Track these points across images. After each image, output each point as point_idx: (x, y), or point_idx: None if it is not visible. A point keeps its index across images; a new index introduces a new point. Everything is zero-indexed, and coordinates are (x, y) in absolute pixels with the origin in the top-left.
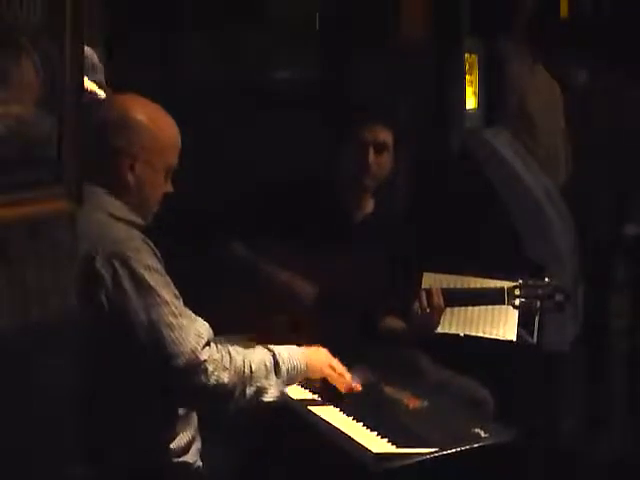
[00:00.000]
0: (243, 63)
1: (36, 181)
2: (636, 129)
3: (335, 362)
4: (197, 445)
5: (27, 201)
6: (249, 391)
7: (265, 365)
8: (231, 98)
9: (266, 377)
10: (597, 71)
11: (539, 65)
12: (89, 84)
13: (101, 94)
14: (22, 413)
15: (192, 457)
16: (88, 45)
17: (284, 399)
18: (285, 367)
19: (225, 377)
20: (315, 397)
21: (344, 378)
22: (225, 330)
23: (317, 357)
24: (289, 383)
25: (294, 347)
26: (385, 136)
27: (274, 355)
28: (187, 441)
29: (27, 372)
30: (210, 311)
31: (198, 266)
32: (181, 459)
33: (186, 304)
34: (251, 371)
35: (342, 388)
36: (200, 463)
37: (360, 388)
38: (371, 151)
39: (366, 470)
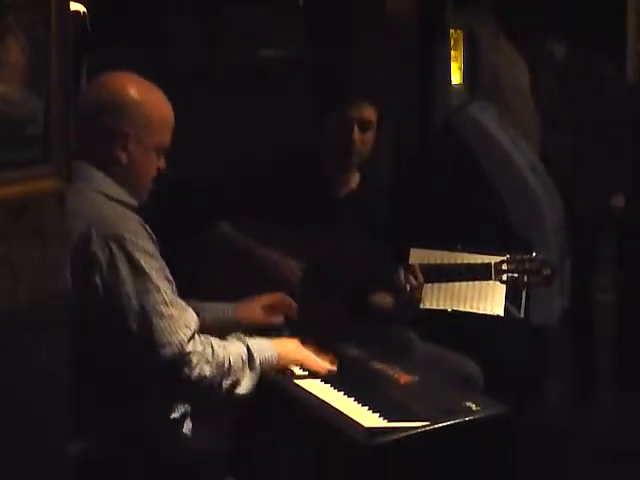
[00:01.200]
0: (227, 41)
1: (24, 160)
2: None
3: (305, 352)
4: (188, 424)
5: (15, 181)
6: (225, 384)
7: (241, 358)
8: (215, 77)
9: (242, 370)
10: (571, 45)
11: (507, 42)
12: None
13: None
14: (9, 397)
15: (187, 429)
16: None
17: (273, 375)
18: (258, 360)
19: (207, 370)
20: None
21: (315, 366)
22: None
23: (288, 347)
24: (261, 374)
25: (265, 339)
26: (370, 114)
27: (248, 348)
28: (182, 414)
29: (14, 355)
30: (197, 291)
31: (184, 247)
32: (177, 431)
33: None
34: (230, 364)
35: (317, 369)
36: (190, 434)
37: (335, 369)
38: (356, 128)
39: (358, 444)
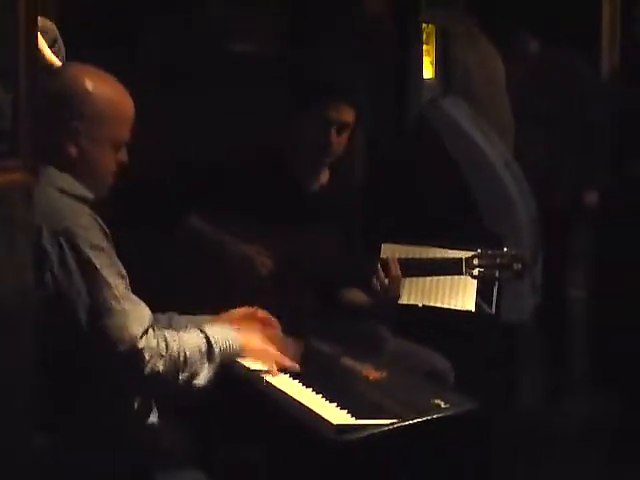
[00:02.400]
0: (203, 35)
1: None
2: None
3: (270, 348)
4: (154, 417)
5: None
6: (182, 377)
7: (200, 350)
8: (188, 71)
9: (200, 361)
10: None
11: (481, 36)
12: (48, 53)
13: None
14: None
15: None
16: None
17: (242, 371)
18: (218, 350)
19: (160, 365)
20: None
21: (281, 361)
22: (181, 305)
23: (251, 341)
24: (222, 364)
25: (229, 328)
26: (348, 116)
27: (207, 338)
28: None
29: None
30: (166, 286)
31: (154, 241)
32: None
33: (141, 281)
34: (185, 357)
35: (287, 365)
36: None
37: (297, 367)
38: (333, 131)
39: (326, 441)
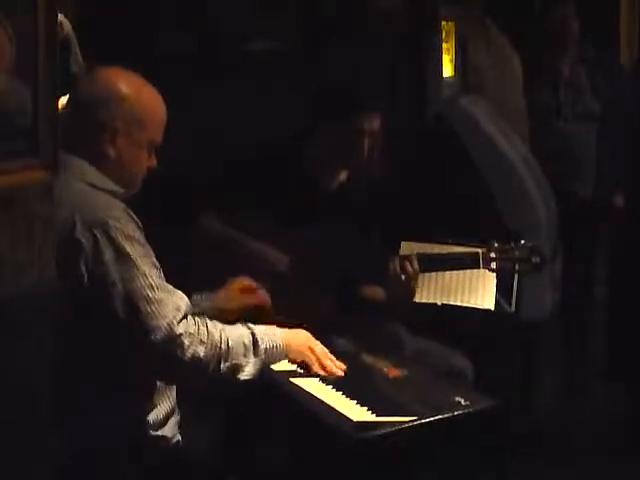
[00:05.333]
0: (216, 33)
1: (11, 152)
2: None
3: (317, 345)
4: (176, 418)
5: (3, 172)
6: (224, 367)
7: (244, 343)
8: (202, 68)
9: (244, 355)
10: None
11: (499, 37)
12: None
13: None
14: None
15: (170, 431)
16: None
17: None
18: (264, 346)
19: (201, 351)
20: (295, 368)
21: (324, 361)
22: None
23: (297, 338)
24: (268, 363)
25: (274, 327)
26: (377, 123)
27: (253, 334)
28: (165, 414)
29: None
30: (182, 285)
31: (171, 239)
32: (159, 432)
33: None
34: (228, 347)
35: (320, 372)
36: (179, 437)
37: (341, 373)
38: (366, 140)
39: (346, 438)
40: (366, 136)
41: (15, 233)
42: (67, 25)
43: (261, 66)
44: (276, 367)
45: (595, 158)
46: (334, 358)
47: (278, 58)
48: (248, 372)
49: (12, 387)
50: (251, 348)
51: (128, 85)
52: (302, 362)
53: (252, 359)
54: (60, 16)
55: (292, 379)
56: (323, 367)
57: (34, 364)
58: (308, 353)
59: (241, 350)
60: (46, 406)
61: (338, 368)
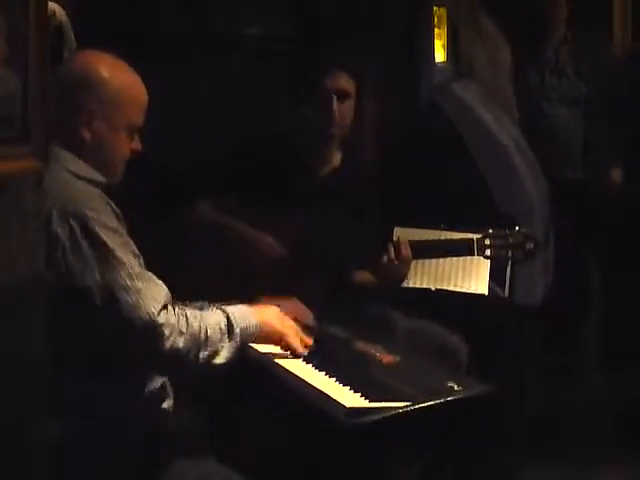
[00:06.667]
0: (209, 18)
1: (1, 140)
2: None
3: (288, 320)
4: (168, 403)
5: None
6: (202, 355)
7: (220, 328)
8: (194, 54)
9: (220, 340)
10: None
11: (488, 23)
12: None
13: None
14: None
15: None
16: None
17: (255, 355)
18: (238, 328)
19: (180, 342)
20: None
21: (296, 336)
22: (195, 292)
23: (269, 315)
24: (242, 343)
25: (245, 307)
26: (347, 84)
27: (228, 317)
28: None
29: None
30: (178, 273)
31: (165, 228)
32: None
33: (154, 267)
34: (206, 336)
35: (297, 347)
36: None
37: (311, 342)
38: (334, 99)
39: (339, 424)
40: (333, 94)
41: (6, 224)
42: (60, 12)
43: (254, 53)
44: (260, 348)
45: (582, 141)
46: (302, 333)
47: (274, 41)
48: (223, 356)
49: (3, 376)
50: (226, 332)
51: (105, 67)
52: (275, 338)
53: (227, 342)
54: (54, 5)
55: (280, 362)
56: (295, 341)
57: (26, 353)
58: (279, 328)
59: (218, 336)
60: (35, 396)
61: (307, 342)
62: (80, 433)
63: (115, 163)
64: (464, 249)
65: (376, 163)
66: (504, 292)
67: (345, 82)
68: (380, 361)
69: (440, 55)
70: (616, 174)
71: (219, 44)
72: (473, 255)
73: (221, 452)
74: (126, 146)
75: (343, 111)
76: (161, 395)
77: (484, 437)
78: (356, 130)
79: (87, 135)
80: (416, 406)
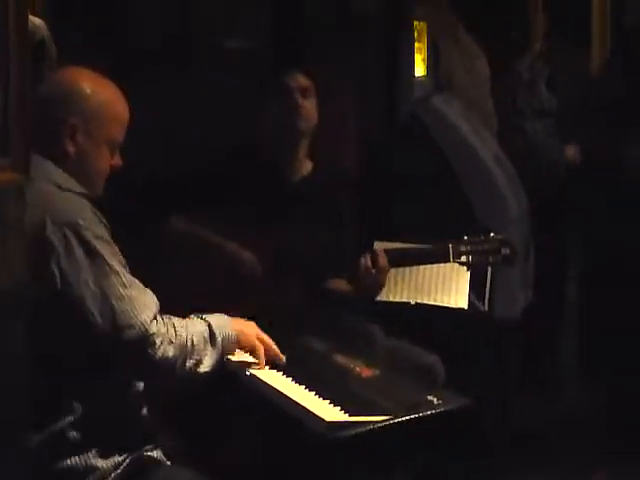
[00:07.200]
0: (185, 28)
1: None
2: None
3: (263, 335)
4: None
5: None
6: (188, 363)
7: (204, 337)
8: (167, 65)
9: (204, 348)
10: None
11: (466, 36)
12: None
13: None
14: None
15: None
16: (32, 13)
17: (231, 368)
18: (220, 337)
19: (170, 351)
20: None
21: (271, 350)
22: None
23: (247, 327)
24: (223, 353)
25: (224, 316)
26: (306, 83)
27: (209, 325)
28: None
29: None
30: (156, 287)
31: (140, 243)
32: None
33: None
34: (192, 344)
35: (262, 362)
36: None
37: (284, 359)
38: (298, 95)
39: (319, 438)
40: (295, 92)
41: None
42: (43, 28)
43: (233, 64)
44: (235, 358)
45: (557, 156)
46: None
47: (249, 56)
48: (206, 364)
49: None
50: (209, 341)
51: (88, 83)
52: (251, 350)
53: (209, 351)
54: (37, 19)
55: (261, 375)
56: (271, 355)
57: (7, 363)
58: (257, 342)
59: (202, 345)
60: (22, 405)
61: (281, 357)
62: (60, 442)
63: (97, 177)
64: (440, 255)
65: (352, 174)
66: (484, 305)
67: (303, 81)
68: (359, 375)
69: (420, 69)
70: (572, 151)
71: (185, 56)
72: (449, 261)
73: (200, 466)
74: (107, 161)
75: (307, 106)
76: (140, 402)
77: (465, 449)
78: (323, 134)
79: (71, 149)
80: (396, 420)
